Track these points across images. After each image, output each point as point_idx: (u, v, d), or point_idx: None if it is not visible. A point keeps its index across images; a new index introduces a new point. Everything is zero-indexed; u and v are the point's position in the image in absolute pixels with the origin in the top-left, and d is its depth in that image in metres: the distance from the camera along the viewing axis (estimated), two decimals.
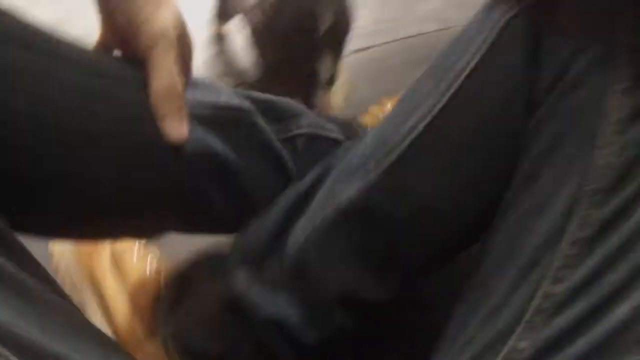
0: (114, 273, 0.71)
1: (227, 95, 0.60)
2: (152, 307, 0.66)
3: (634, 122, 0.41)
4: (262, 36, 0.98)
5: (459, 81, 0.52)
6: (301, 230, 0.57)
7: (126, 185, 0.53)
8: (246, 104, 0.61)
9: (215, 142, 0.57)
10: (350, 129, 0.73)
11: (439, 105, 0.52)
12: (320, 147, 0.67)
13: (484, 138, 0.52)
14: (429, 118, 0.52)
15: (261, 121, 0.61)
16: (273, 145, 0.62)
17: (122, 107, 0.52)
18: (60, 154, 0.48)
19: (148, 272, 0.70)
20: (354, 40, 1.38)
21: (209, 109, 0.57)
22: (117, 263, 0.72)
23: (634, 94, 0.42)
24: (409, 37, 1.48)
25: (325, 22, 0.97)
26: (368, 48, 1.44)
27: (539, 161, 0.47)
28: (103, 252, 0.73)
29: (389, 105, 1.00)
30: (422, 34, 1.48)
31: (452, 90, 0.52)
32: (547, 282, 0.41)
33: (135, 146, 0.52)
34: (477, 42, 0.52)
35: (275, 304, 0.56)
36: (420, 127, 0.52)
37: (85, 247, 0.74)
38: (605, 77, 0.43)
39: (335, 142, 0.69)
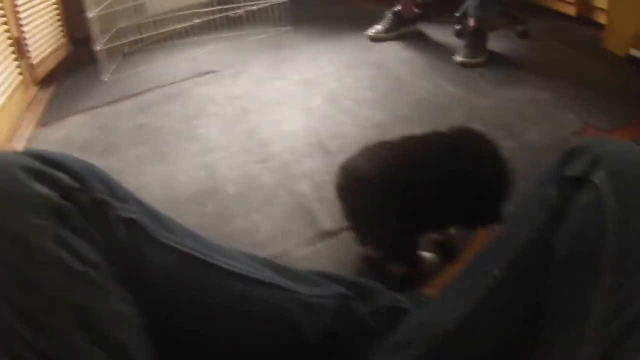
0: None
1: (328, 285, 0.85)
2: None
3: None
4: None
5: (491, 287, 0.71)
6: None
7: None
8: (342, 290, 0.85)
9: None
10: (418, 300, 0.95)
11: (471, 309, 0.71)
12: (396, 316, 0.85)
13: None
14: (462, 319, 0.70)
15: (356, 303, 0.85)
16: (366, 321, 0.85)
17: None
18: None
19: None
20: None
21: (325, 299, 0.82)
22: None
23: None
24: None
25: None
26: None
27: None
28: None
29: (446, 275, 1.15)
30: None
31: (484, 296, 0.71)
32: None
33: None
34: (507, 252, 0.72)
35: None
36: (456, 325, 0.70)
37: None
38: None
39: (406, 311, 0.88)
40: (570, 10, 3.01)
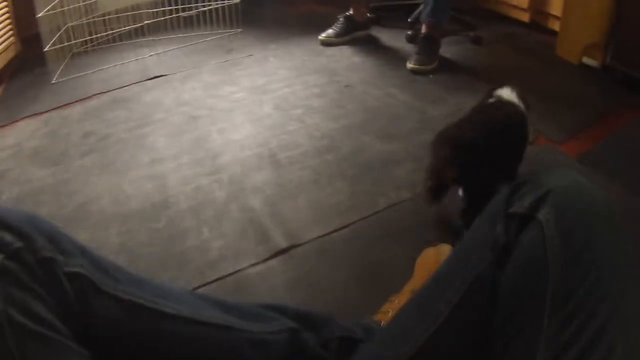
0: None
1: (277, 320, 0.85)
2: None
3: None
4: None
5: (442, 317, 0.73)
6: None
7: None
8: (291, 324, 0.85)
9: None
10: (369, 328, 0.98)
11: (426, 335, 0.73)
12: (348, 346, 0.87)
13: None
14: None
15: (306, 335, 0.85)
16: (317, 353, 0.85)
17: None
18: None
19: None
20: (332, 219, 1.57)
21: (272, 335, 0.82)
22: None
23: None
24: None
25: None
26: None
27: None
28: None
29: (396, 302, 1.16)
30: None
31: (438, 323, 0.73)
32: None
33: None
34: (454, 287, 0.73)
35: None
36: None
37: None
38: None
39: (358, 341, 0.90)
40: (524, 17, 3.07)
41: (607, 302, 0.60)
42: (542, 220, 0.67)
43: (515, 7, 3.10)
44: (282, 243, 1.49)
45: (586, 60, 2.53)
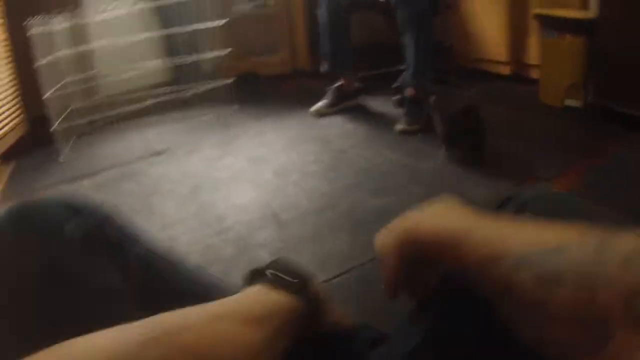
0: None
1: None
2: None
3: None
4: None
5: None
6: None
7: None
8: None
9: None
10: None
11: None
12: None
13: None
14: None
15: None
16: None
17: None
18: None
19: None
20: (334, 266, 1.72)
21: None
22: None
23: None
24: None
25: None
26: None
27: None
28: None
29: None
30: None
31: None
32: None
33: None
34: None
35: None
36: None
37: None
38: None
39: None
40: (505, 70, 3.29)
41: None
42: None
43: (495, 62, 3.33)
44: None
45: (568, 101, 2.72)
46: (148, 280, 0.77)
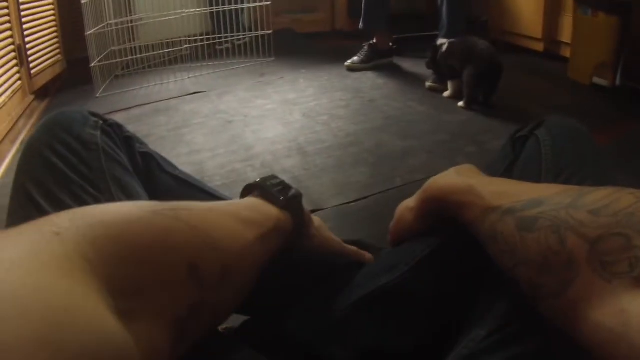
0: None
1: None
2: None
3: None
4: None
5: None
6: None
7: None
8: None
9: None
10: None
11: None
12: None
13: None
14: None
15: None
16: None
17: None
18: None
19: None
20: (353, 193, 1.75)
21: None
22: None
23: None
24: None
25: None
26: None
27: None
28: None
29: None
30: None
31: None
32: None
33: None
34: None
35: None
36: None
37: None
38: None
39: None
40: (538, 47, 3.28)
41: (591, 179, 0.74)
42: (539, 135, 0.84)
43: (529, 37, 3.32)
44: (306, 207, 1.64)
45: (596, 80, 2.71)
46: (152, 176, 0.84)
